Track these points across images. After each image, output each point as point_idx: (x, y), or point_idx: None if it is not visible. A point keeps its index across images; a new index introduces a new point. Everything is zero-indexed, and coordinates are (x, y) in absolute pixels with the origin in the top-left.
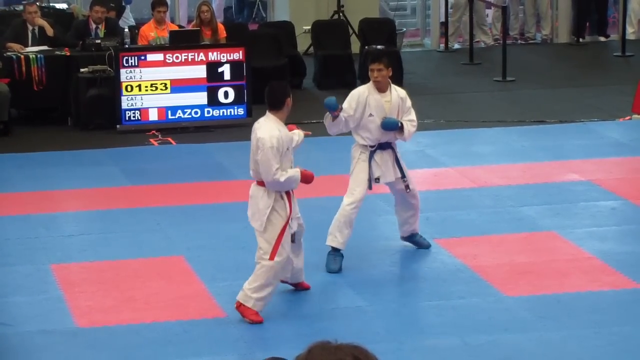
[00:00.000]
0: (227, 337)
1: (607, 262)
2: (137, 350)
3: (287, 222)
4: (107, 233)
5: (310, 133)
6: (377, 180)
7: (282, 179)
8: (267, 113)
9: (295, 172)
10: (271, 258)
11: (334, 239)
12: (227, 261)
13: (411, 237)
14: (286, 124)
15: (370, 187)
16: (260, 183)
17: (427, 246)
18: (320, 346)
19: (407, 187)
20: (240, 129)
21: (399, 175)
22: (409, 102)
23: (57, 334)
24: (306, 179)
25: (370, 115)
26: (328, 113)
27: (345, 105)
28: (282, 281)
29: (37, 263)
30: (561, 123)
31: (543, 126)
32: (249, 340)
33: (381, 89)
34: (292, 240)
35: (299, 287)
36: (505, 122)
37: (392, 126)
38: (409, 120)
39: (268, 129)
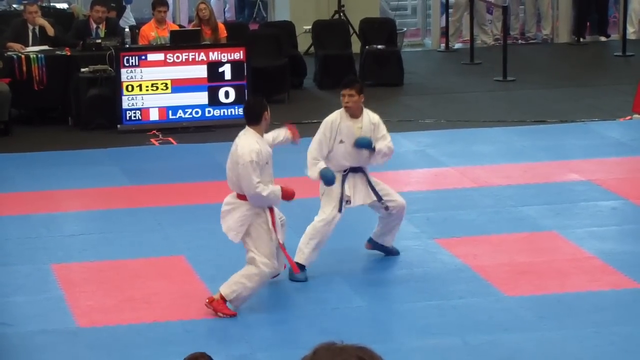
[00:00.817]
0: (227, 337)
1: (607, 262)
2: (137, 350)
3: (269, 230)
4: (108, 233)
5: (298, 142)
6: (348, 202)
7: (264, 193)
8: (247, 127)
9: (276, 188)
10: (260, 266)
11: (302, 255)
12: (227, 261)
13: (381, 247)
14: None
15: (340, 210)
16: (240, 196)
17: (396, 253)
18: (326, 347)
19: (386, 208)
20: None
21: (374, 198)
22: (382, 128)
23: (58, 334)
24: (287, 195)
25: (341, 141)
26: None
27: (315, 154)
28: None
29: (37, 263)
30: (562, 123)
31: (543, 126)
32: (249, 340)
33: (353, 114)
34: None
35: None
36: (505, 122)
37: (364, 145)
38: (387, 145)
39: (247, 143)
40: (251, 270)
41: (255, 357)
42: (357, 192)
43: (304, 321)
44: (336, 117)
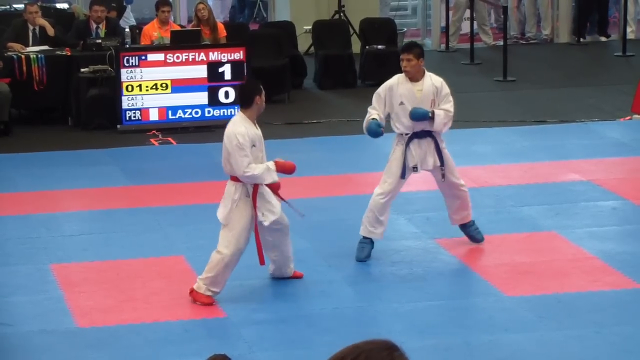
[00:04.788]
0: (227, 337)
1: (607, 262)
2: (137, 350)
3: (250, 220)
4: (108, 233)
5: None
6: (415, 168)
7: (256, 172)
8: (239, 111)
9: (270, 163)
10: (224, 250)
11: (364, 228)
12: None
13: (463, 227)
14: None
15: (403, 177)
16: (233, 178)
17: (479, 240)
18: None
19: (442, 175)
20: None
21: (439, 163)
22: (445, 90)
23: (58, 334)
24: (284, 169)
25: (401, 103)
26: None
27: (373, 110)
28: (275, 275)
29: (37, 263)
30: (562, 123)
31: (544, 126)
32: (249, 340)
33: (413, 78)
34: (301, 215)
35: (292, 277)
36: (506, 122)
37: (419, 116)
38: (444, 109)
39: (234, 127)
40: (215, 256)
41: (255, 357)
42: (425, 158)
43: (304, 321)
44: (395, 81)
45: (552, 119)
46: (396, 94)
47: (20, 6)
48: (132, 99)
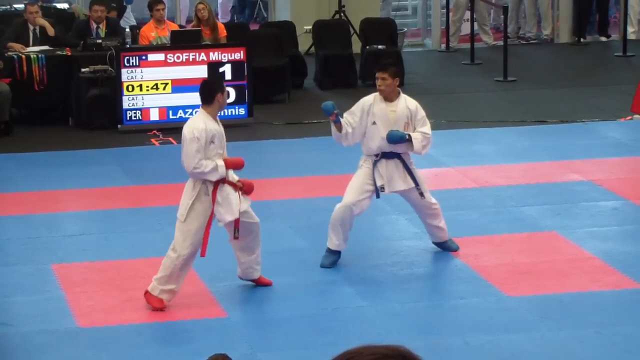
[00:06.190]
0: (228, 337)
1: (608, 262)
2: (138, 350)
3: (206, 219)
4: (108, 233)
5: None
6: (382, 189)
7: (205, 169)
8: (200, 107)
9: (219, 161)
10: (180, 249)
11: (329, 240)
12: (227, 261)
13: (439, 245)
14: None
15: (377, 196)
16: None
17: (455, 249)
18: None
19: (421, 194)
20: (241, 129)
21: (413, 184)
22: (421, 114)
23: (58, 334)
24: (234, 165)
25: (374, 123)
26: (332, 125)
27: (348, 115)
28: (240, 277)
29: (38, 263)
30: (562, 123)
31: (544, 126)
32: (250, 340)
33: (387, 98)
34: (235, 237)
35: (259, 283)
36: (506, 122)
37: (396, 139)
38: (422, 132)
39: (193, 122)
40: (170, 255)
41: (255, 357)
42: (392, 179)
43: (304, 321)
44: (370, 99)
45: (552, 119)
46: (370, 113)
47: (21, 6)
48: (133, 99)
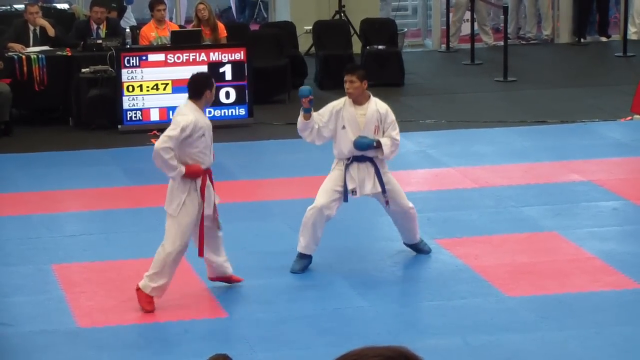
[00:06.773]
0: (228, 338)
1: (608, 263)
2: (138, 351)
3: (197, 215)
4: (109, 233)
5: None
6: (354, 192)
7: (166, 156)
8: (187, 100)
9: (182, 167)
10: (170, 246)
11: (298, 244)
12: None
13: (411, 246)
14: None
15: (345, 200)
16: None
17: (427, 252)
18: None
19: (387, 202)
20: (241, 129)
21: (379, 189)
22: (391, 117)
23: (58, 334)
24: (190, 172)
25: (343, 127)
26: (301, 113)
27: (317, 115)
28: (212, 279)
29: (38, 263)
30: (562, 123)
31: (544, 126)
32: (250, 341)
33: (356, 101)
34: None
35: (232, 282)
36: (506, 123)
37: (364, 147)
38: (391, 137)
39: (184, 113)
40: (161, 252)
41: (256, 357)
42: (364, 182)
43: (304, 321)
44: (340, 103)
45: (552, 119)
46: (340, 117)
47: (21, 6)
48: (133, 99)
